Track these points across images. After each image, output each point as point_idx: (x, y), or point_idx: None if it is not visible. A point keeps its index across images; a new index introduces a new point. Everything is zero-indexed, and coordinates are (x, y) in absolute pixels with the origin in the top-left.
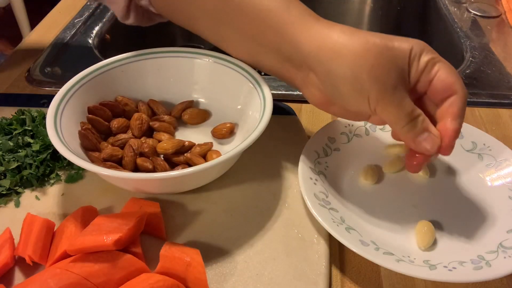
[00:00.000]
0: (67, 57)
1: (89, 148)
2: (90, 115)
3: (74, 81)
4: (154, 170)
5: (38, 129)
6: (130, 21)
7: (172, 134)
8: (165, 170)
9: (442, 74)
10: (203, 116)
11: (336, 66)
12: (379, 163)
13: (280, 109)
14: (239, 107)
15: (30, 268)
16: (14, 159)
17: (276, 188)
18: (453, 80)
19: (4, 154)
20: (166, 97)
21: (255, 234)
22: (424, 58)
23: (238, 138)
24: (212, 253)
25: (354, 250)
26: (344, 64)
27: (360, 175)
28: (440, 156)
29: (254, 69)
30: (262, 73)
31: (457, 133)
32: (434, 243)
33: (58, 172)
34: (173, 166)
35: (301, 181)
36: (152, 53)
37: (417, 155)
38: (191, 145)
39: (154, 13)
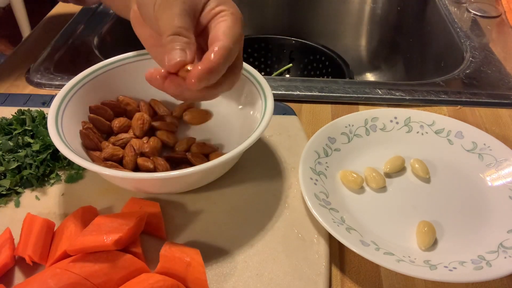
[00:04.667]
0: (67, 57)
1: (90, 147)
2: (91, 115)
3: (76, 81)
4: (155, 170)
5: (38, 129)
6: None
7: (173, 133)
8: (166, 170)
9: (219, 26)
10: (204, 116)
11: None
12: (379, 164)
13: (280, 109)
14: (240, 107)
15: (30, 268)
16: (14, 159)
17: (276, 188)
18: (223, 33)
19: (4, 154)
20: (167, 97)
21: (255, 234)
22: (222, 7)
23: (239, 138)
24: (212, 253)
25: (355, 250)
26: None
27: (368, 180)
28: (441, 156)
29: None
30: (263, 73)
31: (206, 69)
32: (435, 243)
33: (58, 172)
34: (174, 165)
35: (301, 181)
36: None
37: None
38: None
39: None
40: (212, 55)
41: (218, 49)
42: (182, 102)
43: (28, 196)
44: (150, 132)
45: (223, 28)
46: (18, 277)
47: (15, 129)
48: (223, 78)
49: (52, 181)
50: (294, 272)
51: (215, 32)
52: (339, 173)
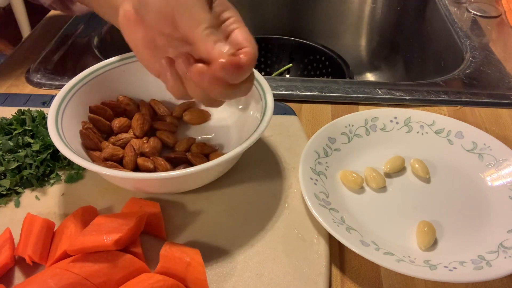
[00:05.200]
0: (67, 57)
1: (90, 147)
2: (91, 115)
3: (76, 81)
4: (155, 170)
5: (38, 129)
6: (49, 1)
7: (173, 133)
8: (166, 170)
9: (238, 33)
10: (204, 116)
11: None
12: (379, 164)
13: (280, 109)
14: (240, 107)
15: (30, 268)
16: (14, 159)
17: (276, 188)
18: (246, 40)
19: (4, 154)
20: (167, 97)
21: (255, 234)
22: (228, 14)
23: (238, 138)
24: (212, 253)
25: (355, 250)
26: None
27: (368, 180)
28: (441, 156)
29: None
30: (263, 73)
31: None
32: (435, 243)
33: (58, 172)
34: (174, 165)
35: (301, 181)
36: None
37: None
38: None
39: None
40: (242, 55)
41: (247, 52)
42: (182, 102)
43: (28, 196)
44: (150, 132)
45: (244, 35)
46: (18, 277)
47: (15, 129)
48: (241, 83)
49: (52, 181)
50: (294, 272)
51: (235, 39)
52: (339, 173)
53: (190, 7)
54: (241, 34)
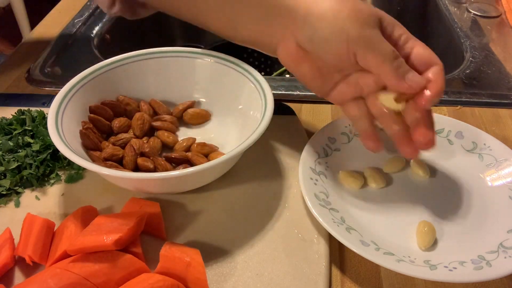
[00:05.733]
0: (67, 57)
1: (90, 147)
2: (91, 115)
3: (76, 80)
4: (155, 170)
5: (38, 129)
6: (115, 10)
7: (173, 133)
8: (166, 170)
9: (419, 49)
10: (204, 116)
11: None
12: (379, 163)
13: (280, 109)
14: (240, 107)
15: (30, 268)
16: (14, 159)
17: (276, 188)
18: (431, 55)
19: (4, 154)
20: (167, 97)
21: (255, 234)
22: (399, 31)
23: (239, 138)
24: (212, 253)
25: (355, 250)
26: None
27: (368, 180)
28: (441, 156)
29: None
30: (263, 73)
31: (441, 92)
32: (435, 243)
33: (58, 172)
34: (174, 165)
35: (301, 181)
36: (153, 53)
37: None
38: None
39: (138, 3)
40: (439, 78)
41: (439, 70)
42: (182, 102)
43: (28, 196)
44: (150, 132)
45: (426, 52)
46: (18, 277)
47: (15, 129)
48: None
49: (52, 181)
50: (294, 272)
51: (420, 58)
52: (339, 173)
53: (374, 43)
54: (423, 50)
